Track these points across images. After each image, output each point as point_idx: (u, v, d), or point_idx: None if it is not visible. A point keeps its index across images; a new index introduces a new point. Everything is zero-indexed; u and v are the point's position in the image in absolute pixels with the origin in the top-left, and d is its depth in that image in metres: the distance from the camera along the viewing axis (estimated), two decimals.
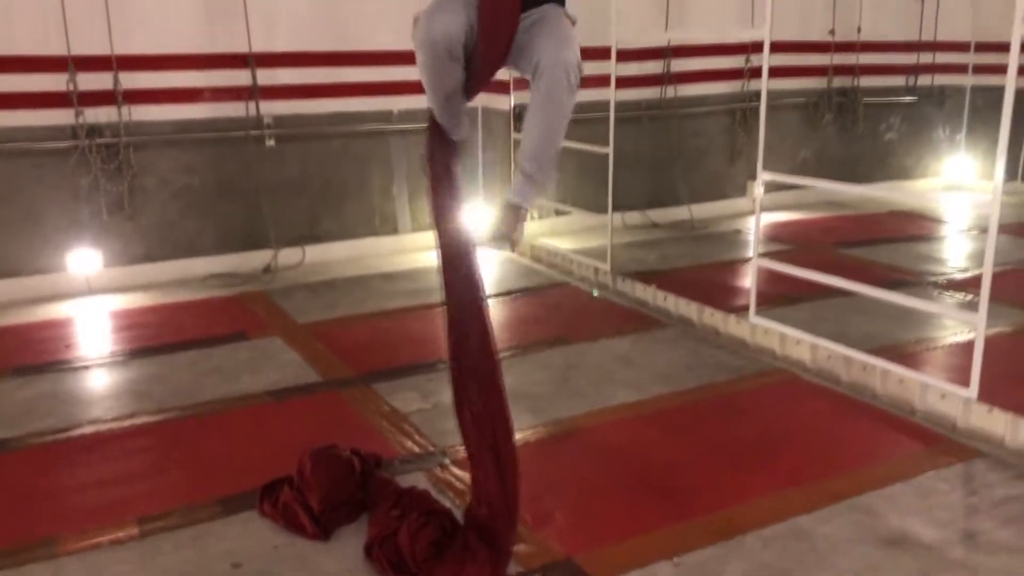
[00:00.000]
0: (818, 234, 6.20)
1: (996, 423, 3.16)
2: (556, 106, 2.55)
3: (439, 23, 2.41)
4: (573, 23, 2.69)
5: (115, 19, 4.84)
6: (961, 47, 7.36)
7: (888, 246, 5.77)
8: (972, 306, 3.70)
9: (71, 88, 4.78)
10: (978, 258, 5.61)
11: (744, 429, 3.33)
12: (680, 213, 6.50)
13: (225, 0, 5.13)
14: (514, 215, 2.69)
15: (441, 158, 2.72)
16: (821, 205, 6.92)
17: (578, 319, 4.65)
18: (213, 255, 5.38)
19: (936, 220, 6.62)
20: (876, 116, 7.29)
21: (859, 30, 6.89)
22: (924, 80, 7.40)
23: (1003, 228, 6.17)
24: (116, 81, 4.88)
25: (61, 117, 4.82)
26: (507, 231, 2.73)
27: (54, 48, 4.74)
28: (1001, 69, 3.15)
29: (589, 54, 5.27)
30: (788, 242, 5.88)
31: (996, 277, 3.48)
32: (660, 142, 6.52)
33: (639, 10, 6.13)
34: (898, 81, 7.35)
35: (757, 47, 6.00)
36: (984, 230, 6.45)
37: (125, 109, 4.94)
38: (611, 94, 5.02)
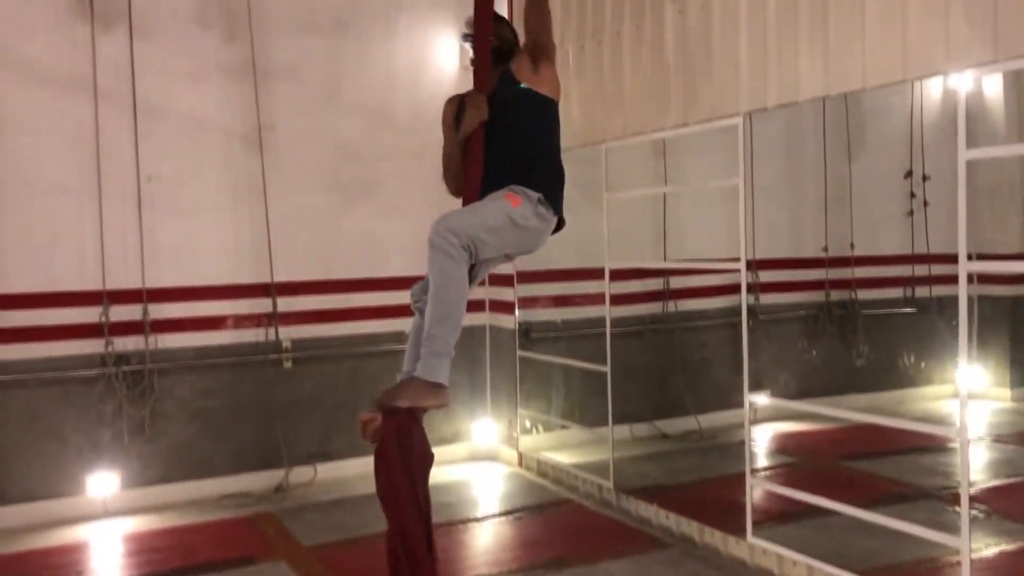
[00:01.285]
0: (824, 446, 6.24)
1: None
2: (432, 274, 2.84)
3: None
4: (526, 197, 3.06)
5: (148, 255, 5.27)
6: (955, 259, 7.63)
7: (894, 458, 5.78)
8: (975, 523, 3.71)
9: (103, 320, 5.14)
10: (988, 470, 5.63)
11: None
12: (688, 423, 6.60)
13: (250, 236, 5.58)
14: (417, 387, 2.84)
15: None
16: (827, 415, 6.98)
17: (580, 539, 4.68)
18: (228, 475, 5.53)
19: (944, 429, 6.64)
20: (877, 327, 7.48)
21: (852, 246, 7.23)
22: (922, 291, 7.64)
23: (1012, 438, 6.26)
24: (145, 312, 5.25)
25: (92, 347, 5.15)
26: (408, 401, 2.85)
27: (90, 283, 5.15)
28: (997, 280, 3.35)
29: (587, 275, 5.65)
30: (793, 454, 5.93)
31: (1004, 490, 3.52)
32: (664, 354, 6.74)
33: (637, 233, 6.54)
34: (896, 293, 7.60)
35: (754, 264, 6.32)
36: (996, 439, 6.44)
37: (152, 338, 5.27)
38: (606, 312, 5.28)
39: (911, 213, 7.43)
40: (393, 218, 5.98)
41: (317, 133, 5.82)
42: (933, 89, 7.37)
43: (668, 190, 6.64)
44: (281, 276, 5.65)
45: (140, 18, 5.24)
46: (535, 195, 3.11)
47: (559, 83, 3.37)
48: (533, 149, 3.22)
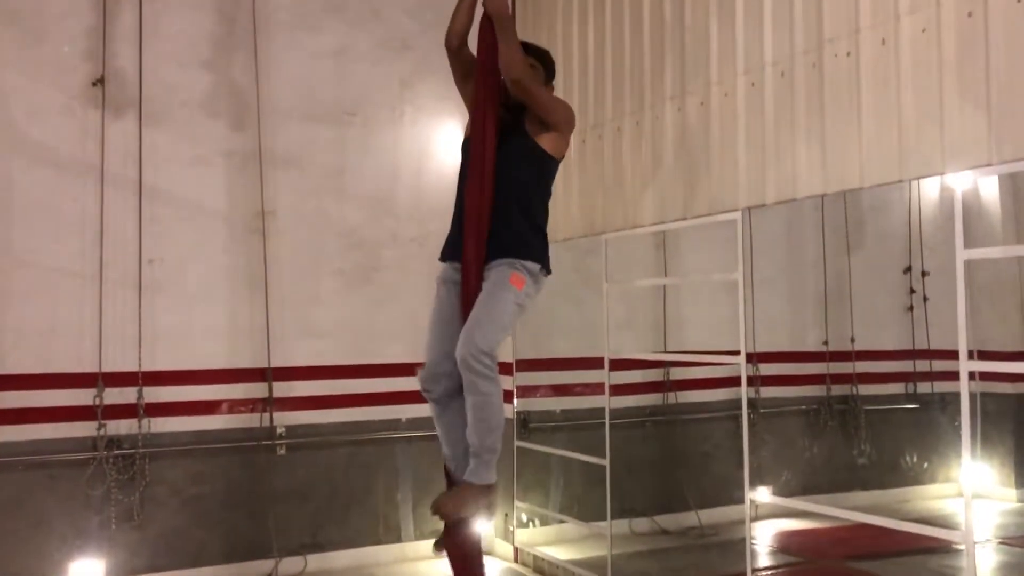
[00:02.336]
0: (828, 545, 6.09)
1: None
2: (474, 396, 2.82)
3: None
4: (528, 273, 3.15)
5: (145, 338, 5.25)
6: (957, 355, 7.58)
7: (900, 560, 5.63)
8: None
9: (97, 403, 5.08)
10: (996, 575, 5.47)
11: None
12: (689, 518, 6.46)
13: (249, 320, 5.57)
14: (474, 493, 2.97)
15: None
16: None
17: None
18: (216, 564, 5.38)
19: (949, 532, 6.49)
20: (879, 423, 7.40)
21: (852, 340, 7.20)
22: (924, 387, 7.58)
23: (1020, 540, 6.10)
24: (140, 395, 5.20)
25: (83, 430, 5.08)
26: (471, 510, 3.01)
27: (86, 366, 5.12)
28: (1001, 376, 3.33)
29: (587, 364, 5.62)
30: (796, 553, 5.78)
31: None
32: (665, 446, 6.64)
33: (637, 323, 6.53)
34: (898, 388, 7.54)
35: (754, 355, 6.29)
36: (1003, 541, 6.29)
37: (145, 421, 5.21)
38: (606, 402, 5.22)
39: (911, 308, 7.43)
40: (392, 304, 5.98)
41: (319, 219, 5.87)
42: (931, 184, 7.46)
43: (668, 282, 6.66)
44: (278, 361, 5.61)
45: (150, 105, 5.35)
46: (535, 267, 3.18)
47: (564, 146, 3.44)
48: (530, 204, 3.28)
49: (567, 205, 5.48)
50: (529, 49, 3.50)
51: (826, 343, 7.13)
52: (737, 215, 4.17)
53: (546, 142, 3.35)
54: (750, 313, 4.36)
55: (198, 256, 5.51)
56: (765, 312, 6.39)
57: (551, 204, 3.53)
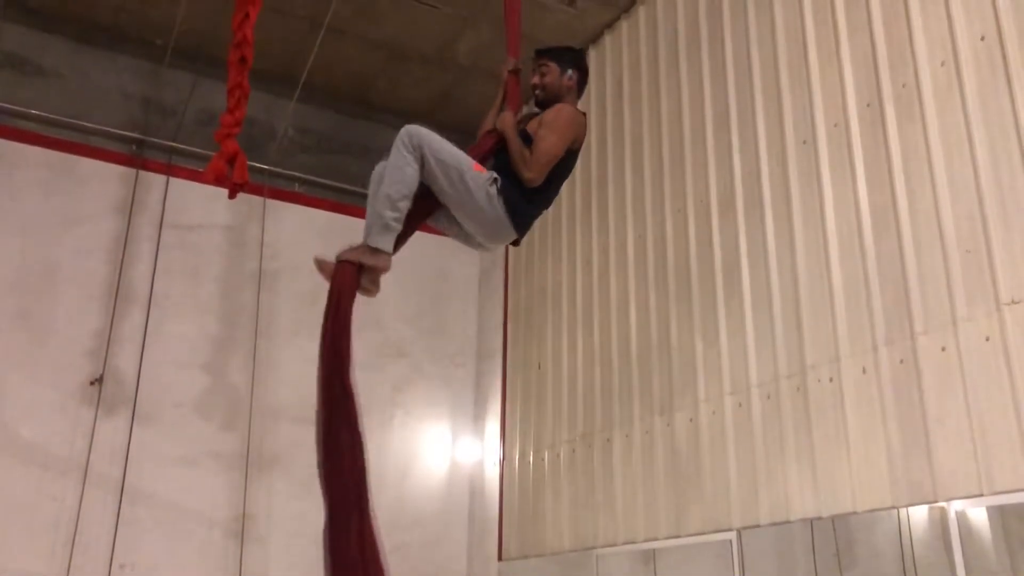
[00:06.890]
0: None
1: None
2: (389, 160, 3.09)
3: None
4: (487, 171, 3.26)
5: None
6: None
7: None
8: None
9: None
10: None
11: None
12: None
13: None
14: (359, 248, 3.02)
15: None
16: None
17: None
18: None
19: None
20: None
21: None
22: None
23: None
24: None
25: None
26: (356, 257, 3.00)
27: None
28: None
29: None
30: None
31: None
32: None
33: None
34: None
35: None
36: None
37: None
38: None
39: None
40: None
41: (299, 522, 5.69)
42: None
43: None
44: None
45: (144, 405, 5.40)
46: (493, 175, 3.26)
47: (554, 141, 3.43)
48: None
49: (556, 517, 5.39)
50: (561, 55, 3.71)
51: None
52: (732, 535, 4.12)
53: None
54: None
55: (171, 562, 5.28)
56: None
57: None
